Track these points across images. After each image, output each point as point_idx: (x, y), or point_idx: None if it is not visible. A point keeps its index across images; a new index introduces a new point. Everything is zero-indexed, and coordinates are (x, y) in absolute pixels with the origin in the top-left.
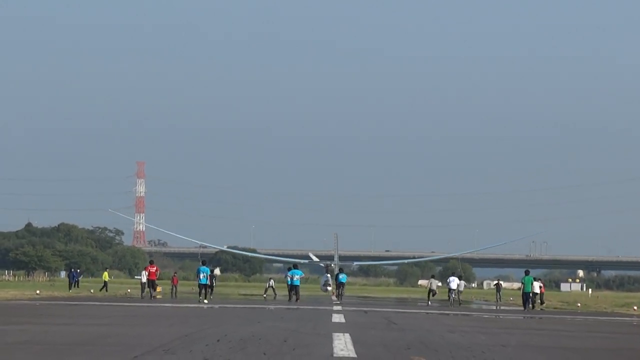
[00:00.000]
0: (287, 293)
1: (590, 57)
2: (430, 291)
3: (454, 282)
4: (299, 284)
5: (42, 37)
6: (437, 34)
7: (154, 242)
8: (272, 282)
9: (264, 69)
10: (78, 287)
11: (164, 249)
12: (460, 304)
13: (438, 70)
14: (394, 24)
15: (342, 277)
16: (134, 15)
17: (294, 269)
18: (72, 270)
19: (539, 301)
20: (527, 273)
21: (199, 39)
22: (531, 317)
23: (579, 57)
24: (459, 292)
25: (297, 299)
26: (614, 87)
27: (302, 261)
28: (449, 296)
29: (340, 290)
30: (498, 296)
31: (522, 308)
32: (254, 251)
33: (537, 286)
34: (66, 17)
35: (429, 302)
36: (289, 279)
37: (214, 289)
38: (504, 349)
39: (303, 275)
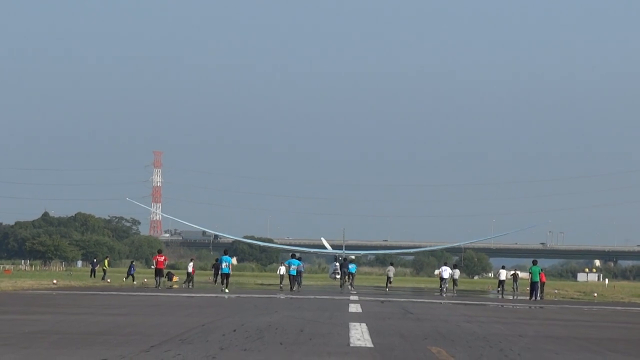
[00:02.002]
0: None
1: (605, 42)
2: (388, 278)
3: (446, 271)
4: (294, 273)
5: (57, 29)
6: (446, 30)
7: (171, 232)
8: (282, 270)
9: (275, 62)
10: (94, 276)
11: (180, 239)
12: (455, 294)
13: (448, 60)
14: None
15: (352, 267)
16: (149, 7)
17: (292, 258)
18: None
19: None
20: (534, 263)
21: (214, 31)
22: (541, 307)
23: (593, 42)
24: (454, 280)
25: (291, 288)
26: (633, 74)
27: (318, 251)
28: (440, 285)
29: (350, 280)
30: (515, 286)
31: (531, 297)
32: (270, 241)
33: (503, 274)
34: (80, 8)
35: (387, 290)
36: (290, 269)
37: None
38: (521, 339)
39: (301, 265)
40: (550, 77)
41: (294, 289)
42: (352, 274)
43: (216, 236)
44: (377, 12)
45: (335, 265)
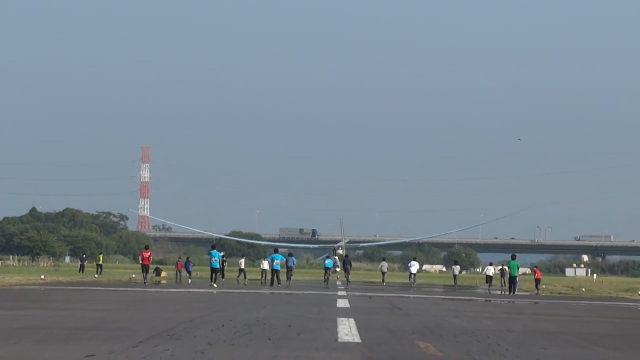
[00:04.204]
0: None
1: (603, 42)
2: (383, 274)
3: (414, 266)
4: (279, 268)
5: (47, 26)
6: (445, 29)
7: (159, 227)
8: (265, 265)
9: (269, 57)
10: (83, 272)
11: (168, 234)
12: (456, 287)
13: (439, 59)
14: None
15: (329, 262)
16: (137, 5)
17: (275, 253)
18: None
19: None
20: (513, 258)
21: (202, 28)
22: (535, 302)
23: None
24: (455, 276)
25: (279, 283)
26: (621, 72)
27: (310, 246)
28: (409, 279)
29: (327, 275)
30: (502, 281)
31: (510, 292)
32: (258, 236)
33: (491, 270)
34: (67, 5)
35: (384, 283)
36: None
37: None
38: (509, 334)
39: (284, 259)
40: (541, 75)
41: (285, 283)
42: (328, 268)
43: (314, 233)
44: (377, 12)
45: (335, 259)
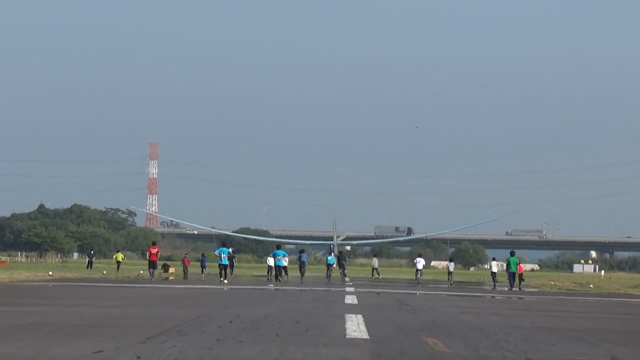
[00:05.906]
0: (296, 273)
1: (601, 39)
2: (373, 269)
3: (420, 262)
4: (281, 264)
5: (52, 21)
6: (446, 22)
7: (167, 224)
8: (271, 262)
9: (269, 53)
10: (91, 268)
11: (176, 230)
12: (451, 284)
13: (445, 56)
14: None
15: (330, 259)
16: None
17: (278, 249)
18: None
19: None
20: (512, 254)
21: (209, 23)
22: (519, 298)
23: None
24: (449, 272)
25: (278, 280)
26: (630, 69)
27: (315, 242)
28: (415, 276)
29: (329, 272)
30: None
31: (510, 288)
32: (266, 233)
33: (494, 265)
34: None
35: (373, 278)
36: (277, 260)
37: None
38: (517, 330)
39: (286, 255)
40: (545, 70)
41: (305, 279)
42: (330, 265)
43: (409, 231)
44: (378, 6)
45: (332, 256)
